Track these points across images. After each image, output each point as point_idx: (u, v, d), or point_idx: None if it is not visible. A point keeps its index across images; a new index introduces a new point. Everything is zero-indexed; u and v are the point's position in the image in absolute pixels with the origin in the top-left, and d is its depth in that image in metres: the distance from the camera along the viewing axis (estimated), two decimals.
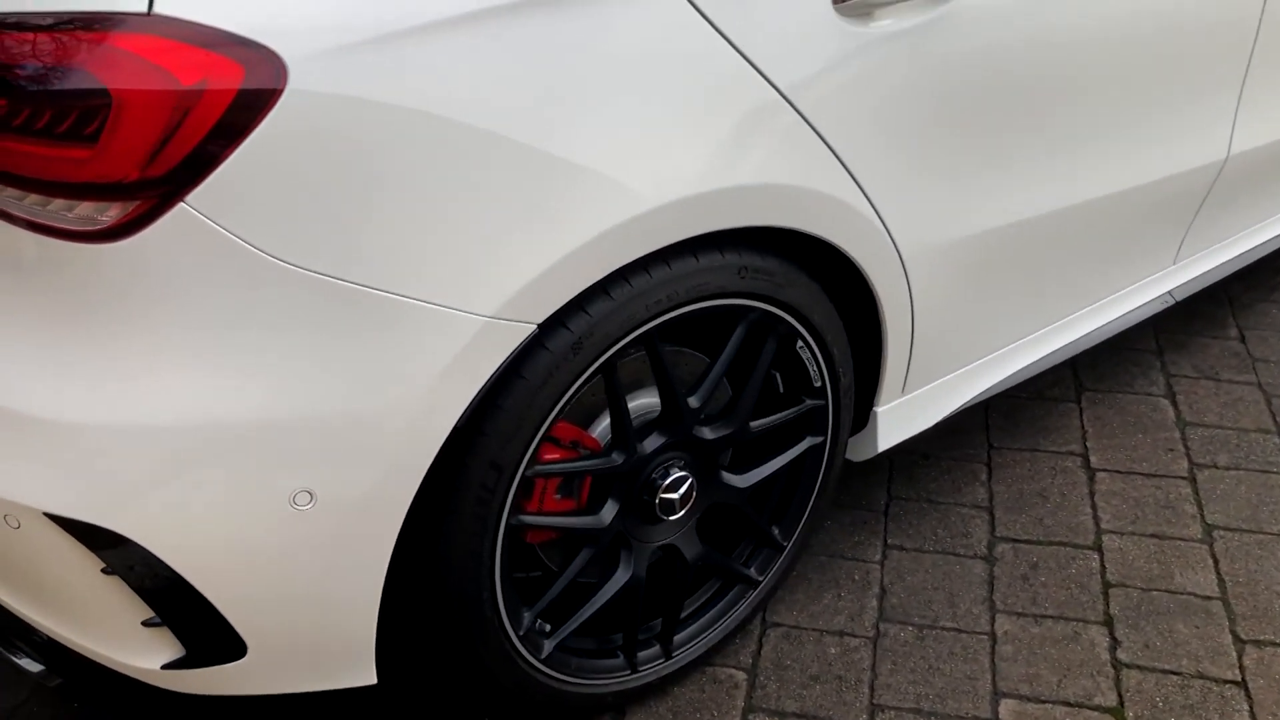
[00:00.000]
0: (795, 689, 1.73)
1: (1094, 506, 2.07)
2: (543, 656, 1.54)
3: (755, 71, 1.37)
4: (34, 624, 1.37)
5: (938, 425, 1.94)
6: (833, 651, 1.79)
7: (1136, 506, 2.07)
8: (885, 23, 1.48)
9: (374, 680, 1.43)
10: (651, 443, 1.53)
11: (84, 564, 1.25)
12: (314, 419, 1.21)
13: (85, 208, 1.12)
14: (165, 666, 1.33)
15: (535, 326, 1.29)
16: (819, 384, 1.66)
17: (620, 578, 1.59)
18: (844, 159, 1.49)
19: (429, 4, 1.16)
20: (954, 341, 1.86)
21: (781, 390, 1.69)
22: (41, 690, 1.72)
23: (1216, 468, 2.16)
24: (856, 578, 1.93)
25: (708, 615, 1.74)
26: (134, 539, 1.21)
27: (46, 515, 1.21)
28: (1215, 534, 2.00)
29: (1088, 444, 2.22)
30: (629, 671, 1.65)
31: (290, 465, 1.22)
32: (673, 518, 1.58)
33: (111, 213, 1.12)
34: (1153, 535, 2.00)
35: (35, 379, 1.19)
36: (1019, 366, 2.03)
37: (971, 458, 2.20)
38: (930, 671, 1.75)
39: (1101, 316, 2.15)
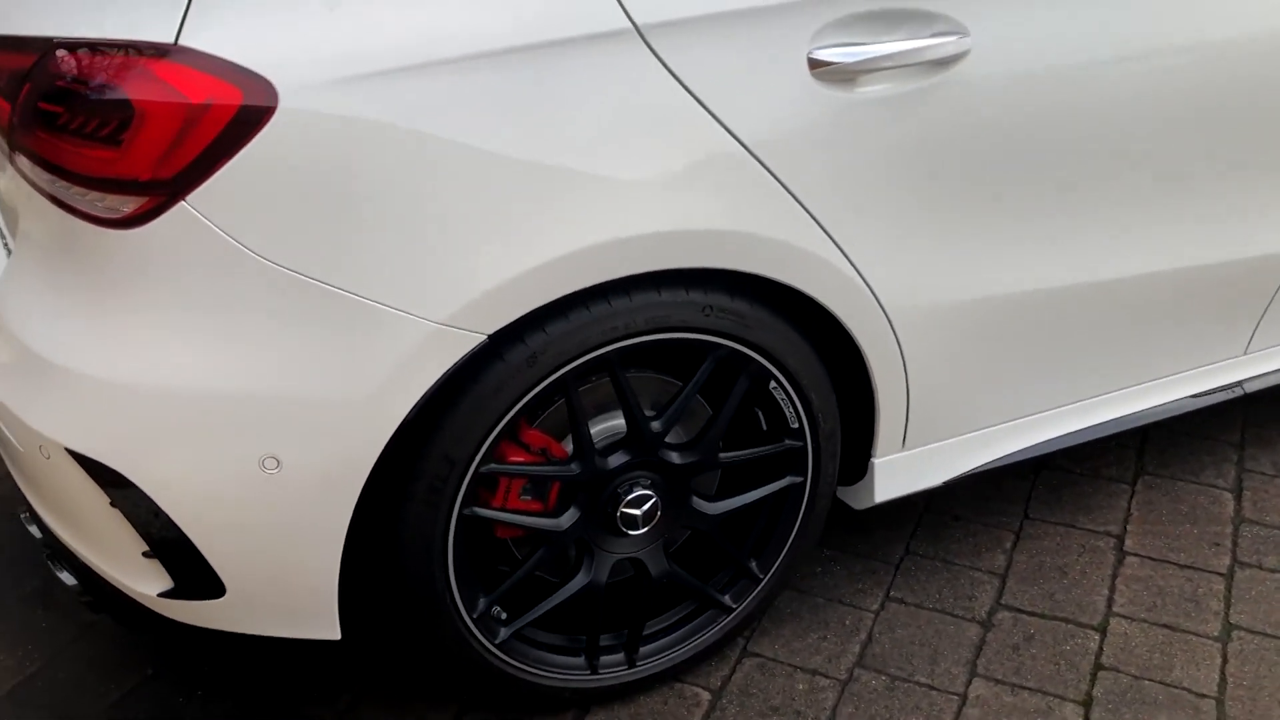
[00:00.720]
0: (752, 716, 1.80)
1: (1112, 588, 2.03)
2: (497, 641, 1.68)
3: (721, 127, 1.48)
4: (69, 545, 1.63)
5: (949, 484, 1.97)
6: (800, 688, 1.85)
7: (1158, 595, 2.01)
8: (871, 89, 1.56)
9: (338, 636, 1.61)
10: (616, 459, 1.66)
11: (96, 497, 1.50)
12: (281, 396, 1.41)
13: (112, 200, 1.36)
14: (160, 595, 1.56)
15: (486, 337, 1.44)
16: (796, 426, 1.74)
17: (579, 581, 1.72)
18: (816, 215, 1.57)
19: (408, 49, 1.34)
20: (961, 404, 1.89)
21: (765, 427, 1.78)
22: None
23: (1260, 569, 2.07)
24: (847, 623, 1.98)
25: (678, 633, 1.84)
26: (131, 479, 1.44)
27: (67, 450, 1.46)
28: (1234, 634, 1.93)
29: (1128, 526, 2.18)
30: (589, 672, 1.77)
31: (261, 433, 1.42)
32: (635, 532, 1.70)
33: (130, 205, 1.36)
34: (1165, 625, 1.95)
35: (71, 335, 1.45)
36: (1046, 437, 2.02)
37: (1002, 524, 2.19)
38: None
39: (1151, 398, 2.11)
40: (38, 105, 1.35)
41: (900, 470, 1.92)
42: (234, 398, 1.41)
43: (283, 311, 1.38)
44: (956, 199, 1.68)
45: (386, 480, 1.52)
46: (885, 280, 1.68)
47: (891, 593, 2.04)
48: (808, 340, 1.69)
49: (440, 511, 1.54)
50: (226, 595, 1.54)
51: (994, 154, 1.67)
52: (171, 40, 1.31)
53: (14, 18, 1.42)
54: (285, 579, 1.53)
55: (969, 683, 1.85)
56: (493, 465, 1.56)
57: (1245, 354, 2.18)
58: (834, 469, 1.82)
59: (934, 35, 1.57)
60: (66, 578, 1.67)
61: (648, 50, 1.44)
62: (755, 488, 1.79)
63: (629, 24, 1.43)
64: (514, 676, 1.72)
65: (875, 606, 2.01)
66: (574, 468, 1.63)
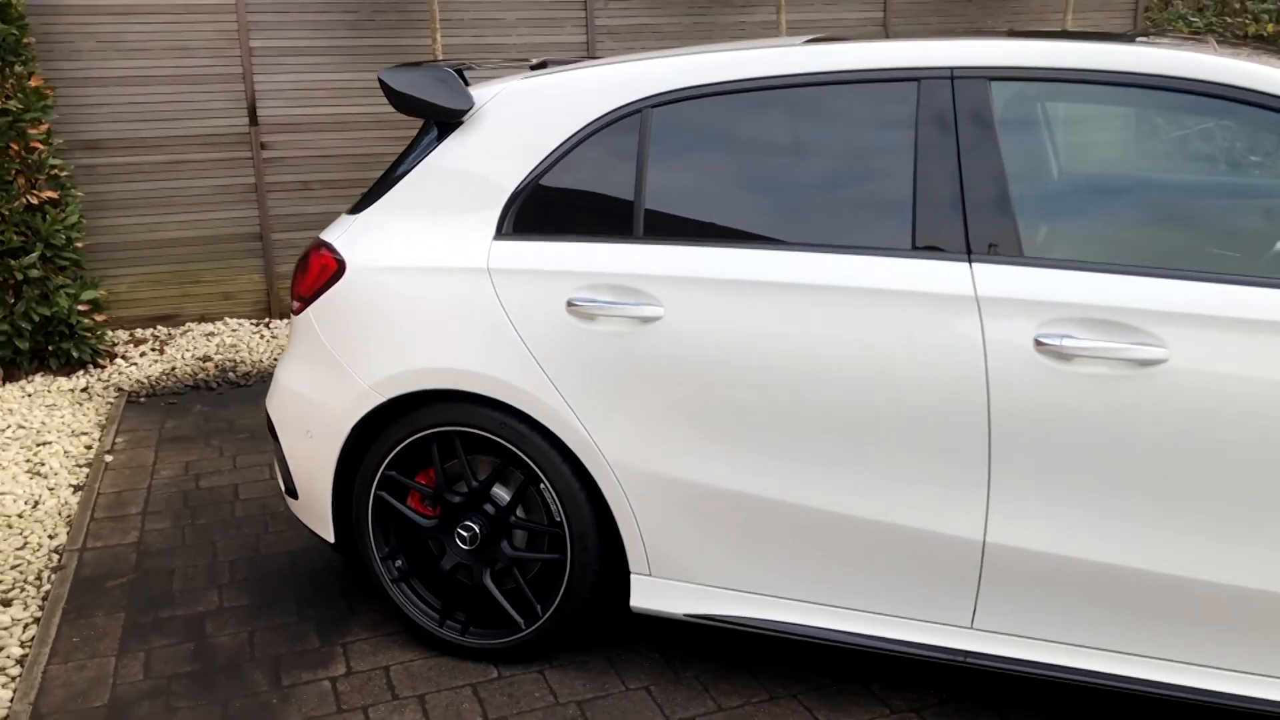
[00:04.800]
0: (511, 692, 2.88)
1: None
2: (391, 579, 3.07)
3: (512, 327, 2.79)
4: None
5: (690, 619, 2.80)
6: (537, 694, 2.87)
7: None
8: (600, 326, 2.72)
9: (332, 540, 3.16)
10: (456, 499, 2.96)
11: (274, 440, 3.30)
12: (315, 401, 3.07)
13: (296, 305, 3.18)
14: (285, 492, 3.30)
15: (385, 399, 2.93)
16: (557, 519, 2.85)
17: (434, 564, 3.03)
18: (560, 388, 2.76)
19: (415, 258, 2.94)
20: (696, 558, 2.77)
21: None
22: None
23: None
24: (605, 683, 2.90)
25: (495, 630, 3.00)
26: (278, 432, 3.21)
27: (267, 413, 3.29)
28: None
29: None
30: (439, 625, 3.05)
31: (308, 417, 3.10)
32: (465, 547, 2.96)
33: (297, 306, 3.16)
34: None
35: (282, 362, 3.28)
36: (792, 621, 2.72)
37: (781, 703, 2.86)
38: None
39: (876, 627, 2.65)
40: (300, 262, 3.24)
41: (650, 591, 2.85)
42: (305, 398, 3.11)
43: (321, 363, 3.06)
44: (656, 407, 2.69)
45: (353, 459, 3.07)
46: (609, 443, 2.75)
47: (652, 688, 2.90)
48: (567, 464, 2.82)
49: (366, 484, 3.04)
50: (300, 499, 3.22)
51: (679, 383, 2.66)
52: (331, 242, 3.11)
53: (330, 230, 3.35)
54: (312, 498, 3.16)
55: None
56: (393, 473, 3.01)
57: (971, 627, 2.57)
58: (588, 561, 2.85)
59: (637, 303, 2.68)
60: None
61: (489, 282, 2.84)
62: (541, 552, 2.92)
63: (485, 267, 2.85)
64: (398, 605, 3.08)
65: (635, 686, 2.90)
66: (429, 492, 2.99)
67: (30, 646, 3.22)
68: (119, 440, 4.92)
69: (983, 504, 2.50)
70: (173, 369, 5.95)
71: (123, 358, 6.11)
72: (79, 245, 5.83)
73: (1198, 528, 2.35)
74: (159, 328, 6.75)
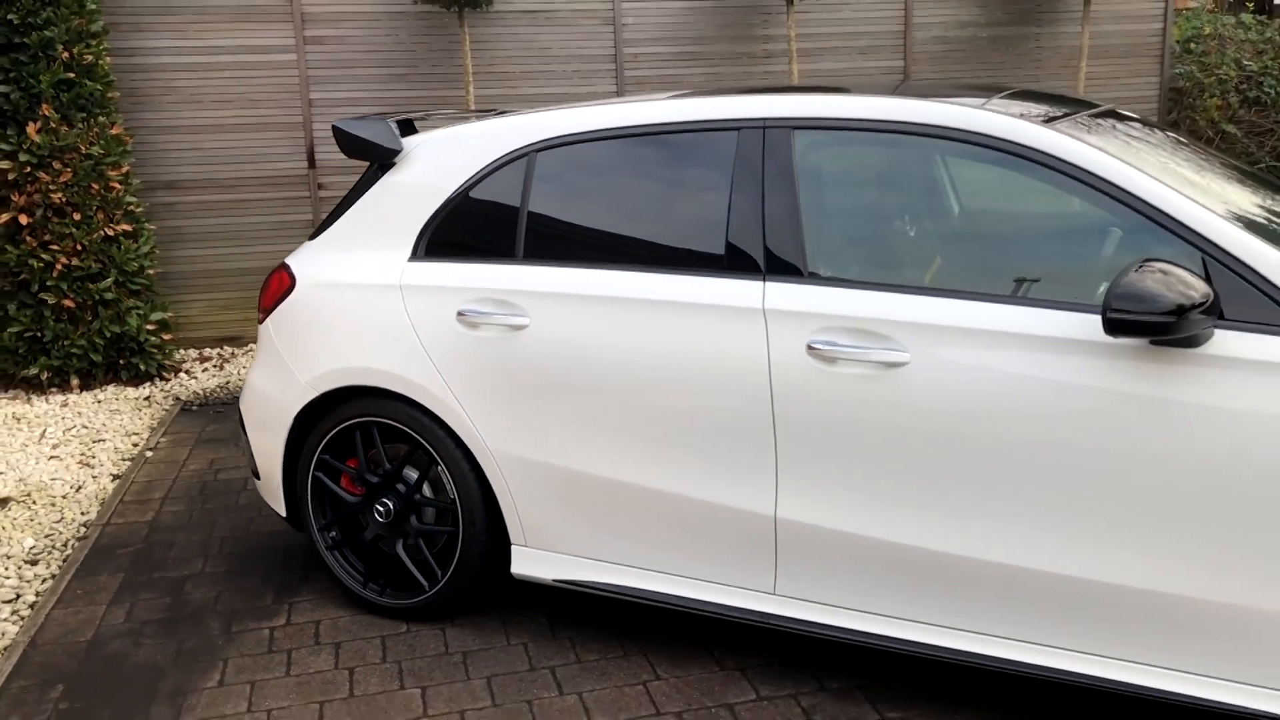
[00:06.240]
0: (415, 644, 3.41)
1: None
2: (327, 547, 3.64)
3: (415, 334, 3.35)
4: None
5: (558, 584, 3.29)
6: (430, 645, 3.39)
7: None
8: (481, 333, 3.26)
9: (284, 515, 3.75)
10: (375, 480, 3.52)
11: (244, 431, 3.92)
12: (270, 395, 3.68)
13: (262, 316, 3.81)
14: (252, 473, 3.91)
15: (319, 393, 3.52)
16: (452, 497, 3.38)
17: (359, 534, 3.58)
18: (449, 384, 3.30)
19: (347, 276, 3.55)
20: (560, 530, 3.26)
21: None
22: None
23: None
24: (492, 641, 3.40)
25: (407, 592, 3.54)
26: (245, 424, 3.83)
27: (239, 408, 3.92)
28: None
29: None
30: (362, 587, 3.60)
31: (265, 410, 3.71)
32: (382, 521, 3.51)
33: (261, 317, 3.79)
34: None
35: (253, 367, 3.91)
36: (635, 585, 3.20)
37: (634, 674, 3.31)
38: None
39: (700, 592, 3.10)
40: (265, 281, 3.87)
41: (527, 559, 3.35)
42: (263, 394, 3.73)
43: (275, 364, 3.67)
44: (524, 402, 3.22)
45: (297, 444, 3.66)
46: (489, 433, 3.28)
47: (529, 644, 3.39)
48: (459, 450, 3.35)
49: (304, 465, 3.62)
50: (261, 480, 3.83)
51: (541, 382, 3.18)
52: (289, 263, 3.73)
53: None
54: (268, 479, 3.76)
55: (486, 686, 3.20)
56: (327, 457, 3.59)
57: (774, 593, 3.00)
58: (476, 533, 3.37)
59: (510, 314, 3.21)
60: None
61: (400, 295, 3.41)
62: (440, 525, 3.45)
63: (399, 284, 3.42)
64: (333, 571, 3.64)
65: (516, 642, 3.39)
66: (355, 474, 3.55)
67: (42, 596, 3.89)
68: (163, 440, 5.65)
69: (772, 484, 2.94)
70: (227, 382, 6.70)
71: (186, 372, 6.91)
72: (150, 272, 6.65)
73: (943, 507, 2.74)
74: (224, 347, 7.55)
